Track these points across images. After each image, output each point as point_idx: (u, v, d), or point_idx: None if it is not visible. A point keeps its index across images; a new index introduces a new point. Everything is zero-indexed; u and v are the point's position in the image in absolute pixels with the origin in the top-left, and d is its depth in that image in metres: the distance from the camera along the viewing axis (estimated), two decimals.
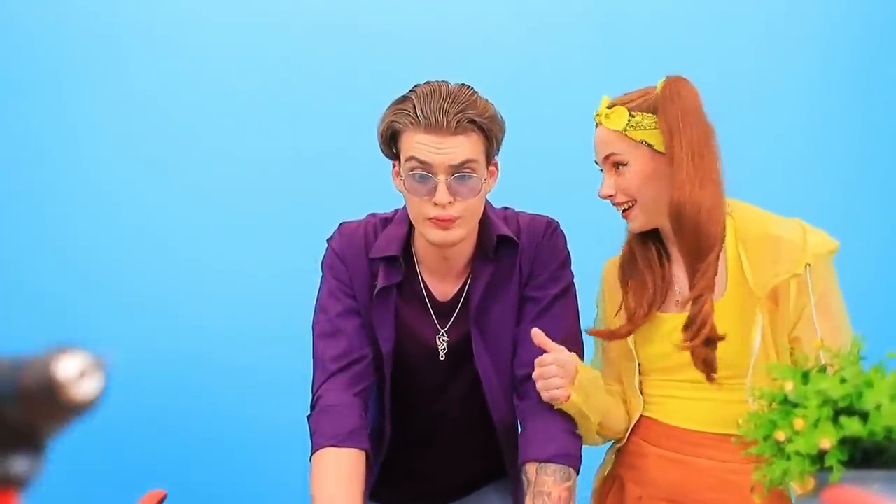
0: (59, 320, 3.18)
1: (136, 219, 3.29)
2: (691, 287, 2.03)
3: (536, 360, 2.07)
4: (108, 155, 3.30)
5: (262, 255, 3.30)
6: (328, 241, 2.23)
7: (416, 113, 1.98)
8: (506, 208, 2.25)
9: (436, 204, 2.01)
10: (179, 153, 3.32)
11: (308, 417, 2.13)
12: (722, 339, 2.00)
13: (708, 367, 2.02)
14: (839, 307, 2.06)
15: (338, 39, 3.37)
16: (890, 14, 3.45)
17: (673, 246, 2.15)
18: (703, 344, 2.00)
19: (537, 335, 2.06)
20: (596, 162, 2.14)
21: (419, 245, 2.17)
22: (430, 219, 2.03)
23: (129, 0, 3.36)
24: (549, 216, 2.23)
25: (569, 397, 2.06)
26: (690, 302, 2.02)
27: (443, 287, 2.19)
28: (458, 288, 2.19)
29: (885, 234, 3.37)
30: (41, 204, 3.28)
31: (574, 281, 2.23)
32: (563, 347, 2.08)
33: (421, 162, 1.99)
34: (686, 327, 2.01)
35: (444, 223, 2.03)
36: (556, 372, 2.04)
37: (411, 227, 2.17)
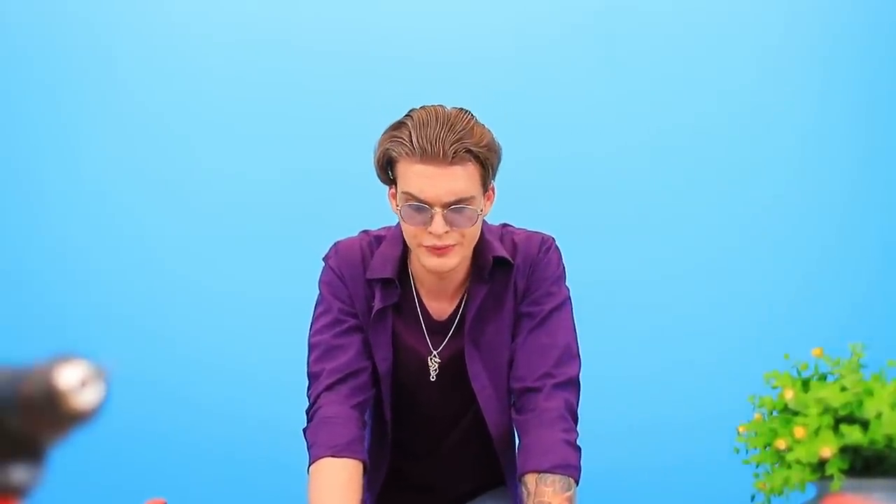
0: (60, 329, 3.18)
1: (136, 229, 3.30)
2: None
3: None
4: (107, 167, 3.32)
5: (261, 265, 3.30)
6: (325, 259, 2.21)
7: (411, 142, 1.94)
8: (503, 226, 2.24)
9: (431, 233, 1.99)
10: (177, 165, 3.33)
11: (304, 430, 2.13)
12: None
13: None
14: None
15: (336, 51, 3.37)
16: (891, 20, 3.45)
17: None
18: None
19: None
20: None
21: (415, 266, 2.17)
22: (425, 246, 2.02)
23: (127, 11, 3.37)
24: (545, 233, 2.22)
25: None
26: None
27: (439, 306, 2.19)
28: (454, 307, 2.19)
29: (885, 242, 3.37)
30: (41, 213, 3.29)
31: (570, 296, 2.22)
32: None
33: (417, 195, 1.97)
34: None
35: (440, 251, 2.01)
36: None
37: (406, 247, 2.16)
